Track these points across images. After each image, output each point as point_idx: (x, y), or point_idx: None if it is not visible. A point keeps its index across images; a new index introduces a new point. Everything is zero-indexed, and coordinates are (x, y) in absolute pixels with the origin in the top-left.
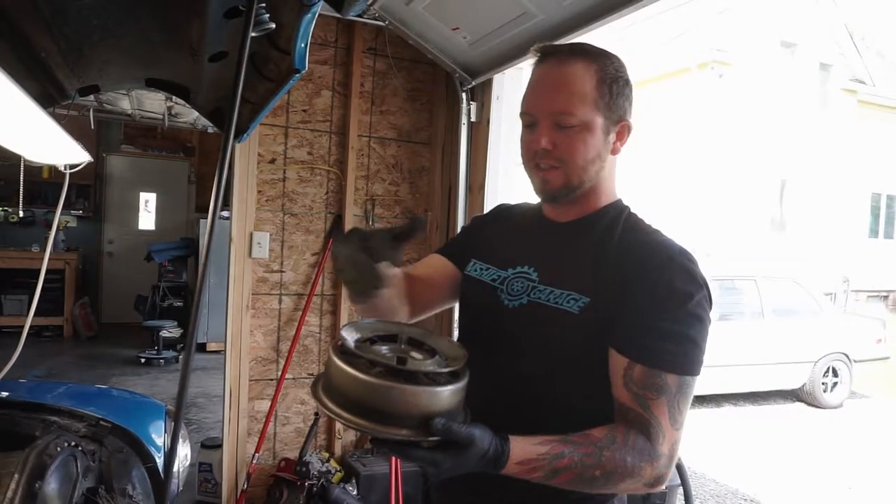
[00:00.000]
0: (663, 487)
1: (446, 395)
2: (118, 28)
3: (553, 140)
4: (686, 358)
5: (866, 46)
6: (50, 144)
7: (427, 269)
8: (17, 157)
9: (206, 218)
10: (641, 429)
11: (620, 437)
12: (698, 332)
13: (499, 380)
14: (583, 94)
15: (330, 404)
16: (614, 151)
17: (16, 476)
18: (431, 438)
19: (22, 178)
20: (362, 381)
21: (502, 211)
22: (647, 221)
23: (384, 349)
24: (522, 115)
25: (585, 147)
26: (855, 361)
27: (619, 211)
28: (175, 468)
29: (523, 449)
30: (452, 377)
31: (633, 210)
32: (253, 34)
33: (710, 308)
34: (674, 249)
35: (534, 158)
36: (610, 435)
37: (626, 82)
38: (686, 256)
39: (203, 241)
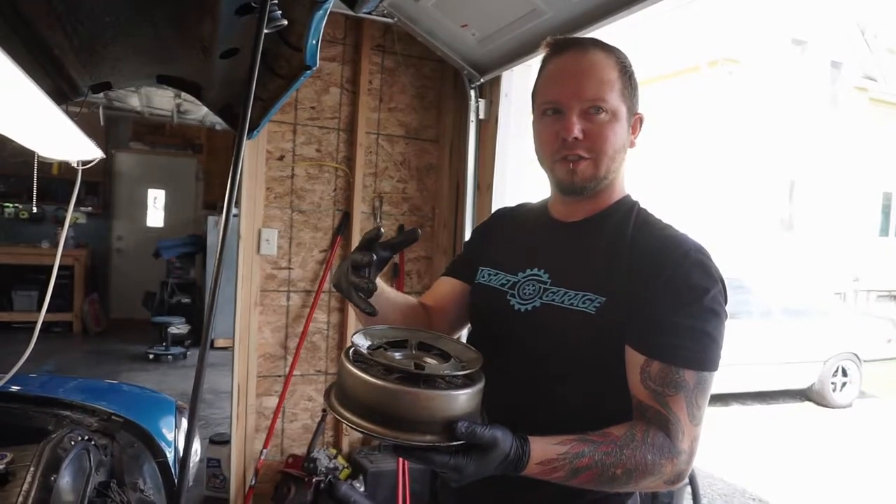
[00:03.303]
0: (683, 484)
1: (466, 398)
2: (130, 26)
3: (584, 129)
4: (703, 354)
5: (878, 44)
6: (64, 141)
7: (437, 297)
8: (27, 154)
9: (214, 215)
10: (661, 426)
11: (640, 434)
12: (715, 328)
13: (513, 384)
14: (611, 83)
15: (347, 414)
16: (631, 144)
17: (31, 469)
18: (456, 443)
19: (36, 174)
20: (381, 388)
21: (502, 215)
22: (658, 216)
23: (397, 355)
24: (544, 104)
25: (615, 136)
26: (864, 361)
27: (629, 207)
28: (181, 459)
29: (543, 449)
30: (470, 380)
31: (642, 205)
32: (265, 31)
33: (726, 303)
34: (688, 244)
35: (561, 150)
36: (629, 433)
37: (636, 79)
38: (701, 251)
39: (211, 238)
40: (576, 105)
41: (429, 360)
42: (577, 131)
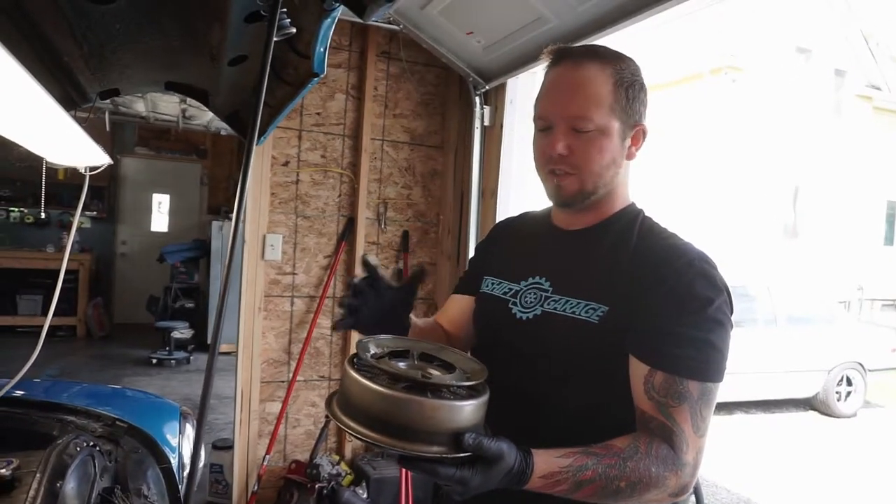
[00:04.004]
0: (687, 496)
1: (472, 409)
2: (140, 33)
3: (569, 145)
4: (707, 364)
5: (882, 52)
6: (72, 147)
7: (450, 317)
8: (33, 159)
9: (219, 219)
10: (664, 437)
11: (644, 446)
12: (719, 338)
13: (515, 392)
14: (599, 99)
15: (352, 423)
16: (629, 156)
17: (37, 475)
18: (462, 454)
19: (44, 179)
20: (388, 397)
21: (504, 226)
22: (663, 225)
23: (400, 365)
24: (537, 119)
25: (601, 153)
26: (869, 370)
27: (632, 215)
28: (189, 470)
29: (546, 462)
30: (475, 391)
31: (647, 213)
32: (275, 39)
33: (731, 313)
34: (692, 254)
35: (548, 164)
36: (633, 445)
37: (642, 86)
38: (705, 260)
39: (215, 243)
40: (561, 121)
41: (432, 371)
42: (560, 148)
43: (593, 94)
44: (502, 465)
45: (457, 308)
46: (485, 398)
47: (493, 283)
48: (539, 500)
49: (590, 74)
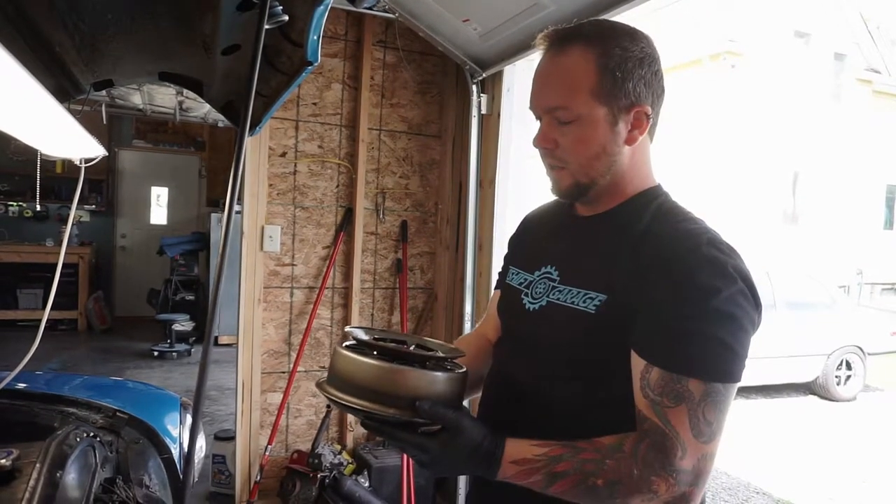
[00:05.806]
0: None
1: (438, 380)
2: (132, 22)
3: (553, 137)
4: (712, 362)
5: (881, 35)
6: (66, 138)
7: (490, 317)
8: (31, 153)
9: (217, 212)
10: (656, 439)
11: (629, 446)
12: (728, 332)
13: (518, 385)
14: (576, 86)
15: (328, 387)
16: (630, 141)
17: (37, 465)
18: (417, 419)
19: (39, 172)
20: (356, 362)
21: (530, 218)
22: (686, 209)
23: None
24: (531, 109)
25: (585, 143)
26: (869, 354)
27: (649, 199)
28: (188, 443)
29: (519, 449)
30: (446, 366)
31: (670, 197)
32: (266, 27)
33: (752, 304)
34: (701, 238)
35: (543, 157)
36: (617, 443)
37: (640, 62)
38: (715, 246)
39: (214, 235)
40: (544, 114)
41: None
42: (542, 141)
43: (570, 83)
44: (464, 439)
45: (493, 306)
46: (455, 375)
47: (513, 274)
48: (525, 499)
49: (569, 61)
